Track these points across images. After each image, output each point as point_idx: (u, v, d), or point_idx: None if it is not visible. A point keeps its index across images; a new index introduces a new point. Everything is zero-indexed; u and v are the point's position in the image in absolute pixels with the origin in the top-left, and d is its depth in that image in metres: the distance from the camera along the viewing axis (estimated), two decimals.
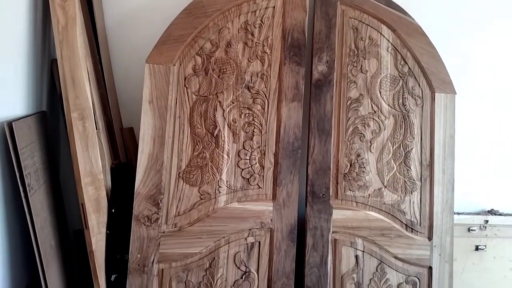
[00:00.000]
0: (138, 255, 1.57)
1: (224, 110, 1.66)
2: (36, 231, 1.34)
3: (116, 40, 1.84)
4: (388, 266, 1.75)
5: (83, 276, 1.61)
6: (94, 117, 1.55)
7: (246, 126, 1.68)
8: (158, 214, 1.59)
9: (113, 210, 1.58)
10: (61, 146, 1.83)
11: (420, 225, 1.78)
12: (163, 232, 1.60)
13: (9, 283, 1.40)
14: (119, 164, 1.70)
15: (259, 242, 1.67)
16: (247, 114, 1.68)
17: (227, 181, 1.66)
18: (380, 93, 1.78)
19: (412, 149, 1.79)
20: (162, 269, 1.59)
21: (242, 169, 1.67)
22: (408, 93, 1.80)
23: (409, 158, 1.79)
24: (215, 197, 1.65)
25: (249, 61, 1.69)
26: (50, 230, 1.49)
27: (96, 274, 1.51)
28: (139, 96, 1.61)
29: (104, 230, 1.55)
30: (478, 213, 2.13)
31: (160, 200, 1.59)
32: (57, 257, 1.51)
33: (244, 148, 1.68)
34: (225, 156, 1.66)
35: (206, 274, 1.62)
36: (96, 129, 1.55)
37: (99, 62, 1.71)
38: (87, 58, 1.58)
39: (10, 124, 1.30)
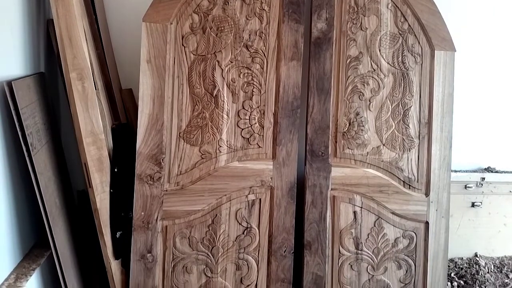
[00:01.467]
0: (142, 213, 1.60)
1: (222, 70, 1.65)
2: (41, 189, 1.37)
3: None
4: (386, 221, 1.79)
5: (88, 236, 1.66)
6: (93, 77, 1.54)
7: (245, 85, 1.68)
8: (160, 173, 1.62)
9: (115, 170, 1.60)
10: (60, 108, 1.84)
11: (417, 181, 1.82)
12: (166, 190, 1.63)
13: (16, 243, 1.44)
14: (120, 125, 1.71)
15: (260, 199, 1.71)
16: (246, 74, 1.68)
17: (227, 141, 1.68)
18: (379, 51, 1.77)
19: (410, 107, 1.80)
20: (166, 226, 1.63)
21: (242, 129, 1.69)
22: (408, 50, 1.79)
23: (407, 116, 1.80)
24: (216, 157, 1.67)
25: (247, 18, 1.67)
26: (55, 189, 1.52)
27: (101, 231, 1.55)
28: (137, 57, 1.60)
29: (107, 189, 1.57)
30: (475, 171, 2.17)
31: (162, 160, 1.62)
32: (62, 215, 1.54)
33: (243, 108, 1.68)
34: (225, 116, 1.67)
35: (209, 230, 1.67)
36: (96, 89, 1.55)
37: (95, 22, 1.69)
38: (83, 17, 1.56)
39: (9, 83, 1.30)
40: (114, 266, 1.58)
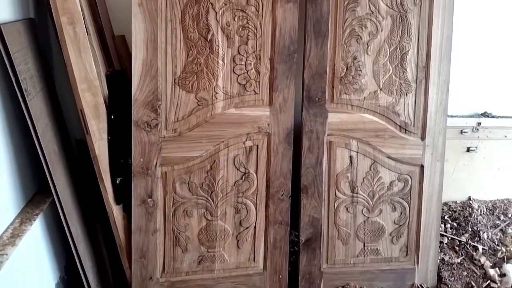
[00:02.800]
0: (141, 159, 1.62)
1: (216, 13, 1.61)
2: (39, 135, 1.37)
3: None
4: (381, 165, 1.82)
5: (88, 184, 1.68)
6: (84, 22, 1.51)
7: (240, 29, 1.64)
8: (157, 120, 1.62)
9: (112, 117, 1.60)
10: (53, 56, 1.81)
11: (413, 126, 1.83)
12: (164, 137, 1.64)
13: (18, 189, 1.47)
14: (114, 71, 1.69)
15: (257, 145, 1.72)
16: (241, 17, 1.64)
17: (223, 87, 1.67)
18: None
19: (408, 50, 1.78)
20: (165, 172, 1.66)
21: (238, 75, 1.67)
22: None
23: (405, 60, 1.78)
24: (212, 103, 1.67)
25: None
26: (52, 136, 1.52)
27: (101, 177, 1.58)
28: (129, 2, 1.55)
29: (105, 136, 1.58)
30: (471, 116, 2.18)
31: (158, 106, 1.61)
32: (62, 162, 1.56)
33: (239, 53, 1.66)
34: (220, 62, 1.65)
35: (208, 175, 1.69)
36: (87, 34, 1.52)
37: None
38: None
39: None
40: (115, 211, 1.62)
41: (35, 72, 1.49)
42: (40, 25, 1.70)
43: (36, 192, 1.61)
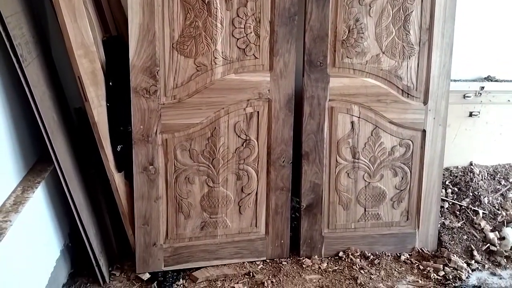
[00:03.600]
0: (141, 126, 1.61)
1: None
2: (37, 102, 1.35)
3: None
4: (383, 130, 1.81)
5: (89, 152, 1.67)
6: None
7: None
8: (156, 86, 1.59)
9: (110, 84, 1.58)
10: (48, 22, 1.76)
11: (416, 90, 1.80)
12: (163, 104, 1.62)
13: (19, 157, 1.46)
14: (111, 37, 1.65)
15: (258, 112, 1.70)
16: None
17: (222, 52, 1.63)
18: None
19: (412, 12, 1.73)
20: (166, 139, 1.65)
21: (237, 39, 1.63)
22: None
23: (408, 21, 1.74)
24: (212, 69, 1.64)
25: None
26: (51, 104, 1.51)
27: (102, 144, 1.57)
28: None
29: (104, 103, 1.56)
30: (474, 80, 2.14)
31: (157, 72, 1.58)
32: (61, 130, 1.55)
33: (238, 15, 1.61)
34: (219, 25, 1.60)
35: (209, 142, 1.68)
36: None
37: None
38: None
39: None
40: (117, 179, 1.62)
41: (30, 38, 1.45)
42: None
43: (37, 160, 1.61)
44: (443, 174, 2.07)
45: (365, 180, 1.84)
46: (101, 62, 1.55)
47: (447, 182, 2.17)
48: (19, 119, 1.46)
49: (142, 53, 1.56)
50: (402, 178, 1.86)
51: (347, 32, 1.71)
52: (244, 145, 1.72)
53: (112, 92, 1.58)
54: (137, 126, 1.60)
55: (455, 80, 2.07)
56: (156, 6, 1.54)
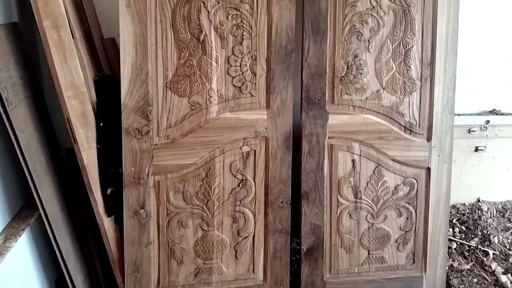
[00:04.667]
0: (132, 168, 1.54)
1: (209, 12, 1.53)
2: (22, 147, 1.30)
3: None
4: (386, 168, 1.74)
5: (80, 193, 1.61)
6: (69, 25, 1.43)
7: (234, 29, 1.56)
8: (149, 126, 1.54)
9: (101, 124, 1.52)
10: (40, 61, 1.73)
11: (419, 126, 1.74)
12: (156, 144, 1.56)
13: (4, 203, 1.40)
14: (103, 76, 1.61)
15: (255, 151, 1.64)
16: (234, 16, 1.55)
17: (217, 90, 1.58)
18: None
19: (412, 46, 1.69)
20: (158, 181, 1.58)
21: (233, 77, 1.59)
22: None
23: (409, 56, 1.69)
24: (207, 108, 1.59)
25: None
26: (38, 147, 1.45)
27: (91, 189, 1.50)
28: (118, 3, 1.47)
29: (94, 144, 1.51)
30: (479, 114, 2.08)
31: (149, 112, 1.53)
32: (49, 173, 1.49)
33: (233, 54, 1.57)
34: (214, 64, 1.56)
35: (203, 183, 1.61)
36: (73, 38, 1.44)
37: None
38: None
39: None
40: (107, 223, 1.54)
41: (18, 79, 1.41)
42: (25, 28, 1.62)
43: (23, 205, 1.54)
44: (450, 212, 1.98)
45: (368, 221, 1.75)
46: (92, 103, 1.50)
47: (454, 221, 2.08)
48: (5, 163, 1.40)
49: (135, 93, 1.51)
50: (407, 219, 1.78)
51: (345, 68, 1.66)
52: (240, 186, 1.65)
53: (103, 133, 1.53)
54: (128, 168, 1.54)
55: (459, 114, 2.01)
56: (150, 45, 1.50)
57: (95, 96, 1.54)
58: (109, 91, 1.57)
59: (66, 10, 1.43)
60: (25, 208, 1.52)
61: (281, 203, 1.67)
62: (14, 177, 1.46)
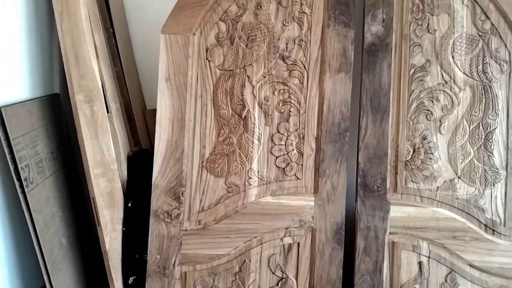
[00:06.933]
0: (158, 256, 1.37)
1: (253, 86, 1.39)
2: (37, 230, 1.19)
3: (134, 11, 1.63)
4: (461, 276, 1.40)
5: (104, 276, 1.46)
6: (105, 99, 1.35)
7: (280, 104, 1.39)
8: (179, 209, 1.38)
9: (129, 205, 1.39)
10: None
11: (504, 225, 1.41)
12: (186, 230, 1.38)
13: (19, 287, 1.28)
14: (139, 151, 1.51)
15: (298, 243, 1.41)
16: (281, 91, 1.39)
17: (258, 171, 1.40)
18: (453, 58, 1.40)
19: (495, 129, 1.40)
20: (185, 272, 1.39)
21: (277, 157, 1.40)
22: (491, 56, 1.40)
23: (491, 140, 1.40)
24: (245, 190, 1.40)
25: (283, 24, 1.39)
26: (60, 226, 1.34)
27: (111, 276, 1.35)
28: None
29: (119, 227, 1.37)
30: None
31: (182, 193, 1.38)
32: (70, 256, 1.36)
33: (278, 131, 1.40)
34: (256, 142, 1.39)
35: (236, 279, 1.39)
36: (108, 112, 1.36)
37: (113, 36, 1.51)
38: (96, 31, 1.38)
39: None
40: None
41: (48, 154, 1.34)
42: (66, 99, 1.58)
43: (42, 286, 1.42)
44: None
45: None
46: (122, 181, 1.38)
47: None
48: (22, 244, 1.29)
49: (168, 172, 1.37)
50: None
51: (411, 151, 1.41)
52: (279, 285, 1.40)
53: (131, 214, 1.39)
54: (154, 255, 1.37)
55: None
56: (187, 121, 1.38)
57: (126, 173, 1.42)
58: (143, 167, 1.46)
59: (103, 83, 1.36)
60: None
61: None
62: (31, 259, 1.35)
